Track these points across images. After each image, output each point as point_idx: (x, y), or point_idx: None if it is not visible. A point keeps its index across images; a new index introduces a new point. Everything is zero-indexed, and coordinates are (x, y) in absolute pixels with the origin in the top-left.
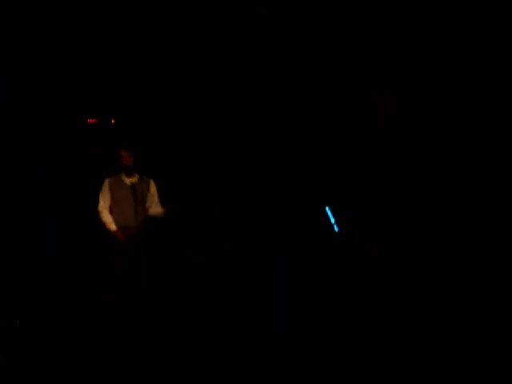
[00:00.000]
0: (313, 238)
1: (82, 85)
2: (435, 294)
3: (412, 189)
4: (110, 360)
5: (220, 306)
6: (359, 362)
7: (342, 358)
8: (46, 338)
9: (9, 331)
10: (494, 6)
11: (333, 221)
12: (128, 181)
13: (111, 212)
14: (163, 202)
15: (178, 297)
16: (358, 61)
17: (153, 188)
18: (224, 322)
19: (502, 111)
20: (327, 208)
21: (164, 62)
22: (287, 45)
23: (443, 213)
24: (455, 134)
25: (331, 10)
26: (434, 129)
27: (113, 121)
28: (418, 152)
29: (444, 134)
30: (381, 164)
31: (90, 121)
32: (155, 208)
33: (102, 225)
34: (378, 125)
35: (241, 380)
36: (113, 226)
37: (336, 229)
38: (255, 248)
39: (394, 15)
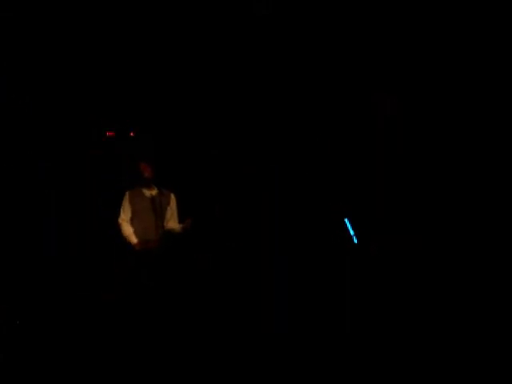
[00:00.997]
0: (313, 238)
1: (81, 85)
2: (435, 293)
3: (412, 189)
4: (110, 360)
5: (220, 306)
6: (359, 362)
7: (342, 358)
8: (46, 338)
9: (9, 331)
10: (493, 6)
11: (352, 233)
12: (148, 193)
13: (132, 224)
14: (181, 215)
15: (178, 297)
16: (358, 61)
17: (173, 202)
18: (224, 322)
19: (502, 111)
20: (346, 220)
21: (163, 60)
22: (287, 45)
23: (443, 213)
24: (455, 134)
25: (331, 10)
26: (434, 129)
27: (131, 133)
28: (418, 152)
29: (444, 134)
30: (381, 164)
31: (108, 133)
32: (173, 222)
33: (122, 237)
34: (378, 125)
35: (241, 380)
36: (133, 239)
37: (355, 241)
38: (255, 248)
39: (393, 15)
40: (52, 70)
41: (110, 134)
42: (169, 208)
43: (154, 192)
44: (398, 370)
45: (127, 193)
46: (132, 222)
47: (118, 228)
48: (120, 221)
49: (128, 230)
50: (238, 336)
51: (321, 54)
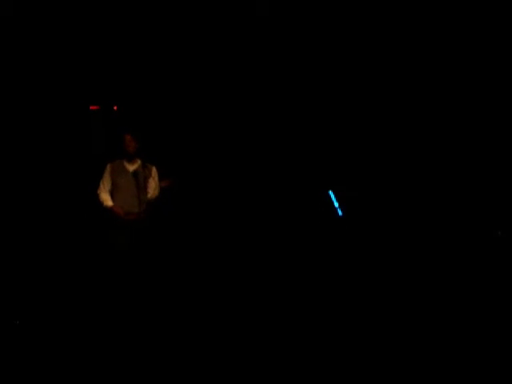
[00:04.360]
0: (312, 238)
1: (84, 79)
2: (435, 292)
3: (412, 189)
4: (110, 360)
5: (220, 306)
6: (359, 359)
7: (342, 358)
8: (46, 338)
9: (9, 331)
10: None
11: (336, 205)
12: (130, 167)
13: (112, 197)
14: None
15: (178, 297)
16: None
17: (155, 174)
18: (224, 321)
19: (501, 111)
20: (330, 192)
21: (165, 63)
22: (287, 45)
23: (443, 213)
24: (455, 134)
25: (331, 11)
26: (434, 129)
27: (115, 107)
28: (417, 152)
29: (443, 134)
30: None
31: (92, 107)
32: (153, 192)
33: (99, 205)
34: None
35: (241, 380)
36: (109, 203)
37: (340, 213)
38: (255, 247)
39: (393, 15)
40: (52, 71)
41: (94, 108)
42: (151, 180)
43: (137, 165)
44: (398, 370)
45: (108, 165)
46: (113, 195)
47: (96, 199)
48: (98, 191)
49: (105, 196)
50: (237, 336)
51: (320, 55)
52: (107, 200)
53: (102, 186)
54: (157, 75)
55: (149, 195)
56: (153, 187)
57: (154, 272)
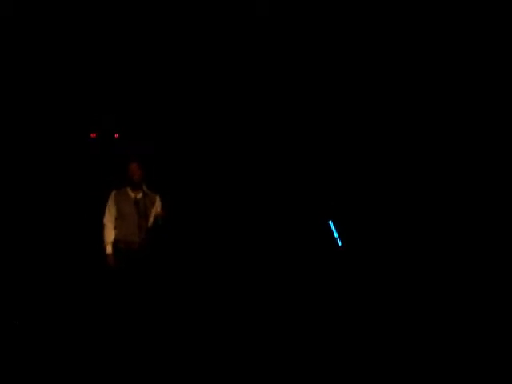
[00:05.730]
0: (312, 239)
1: (83, 88)
2: (434, 295)
3: (410, 190)
4: (110, 360)
5: (220, 306)
6: (359, 360)
7: (342, 358)
8: (46, 338)
9: (9, 331)
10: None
11: (336, 235)
12: (133, 195)
13: (116, 223)
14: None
15: (178, 297)
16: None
17: (158, 204)
18: (224, 322)
19: (499, 113)
20: (330, 222)
21: (166, 67)
22: (287, 45)
23: (442, 214)
24: (454, 135)
25: (331, 11)
26: (433, 129)
27: (116, 135)
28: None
29: (442, 135)
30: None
31: (92, 135)
32: (154, 220)
33: (101, 238)
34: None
35: (241, 380)
36: (108, 249)
37: (339, 243)
38: (255, 248)
39: (393, 16)
40: (52, 79)
41: (93, 135)
42: (153, 209)
43: (140, 194)
44: (397, 370)
45: (113, 193)
46: (116, 221)
47: (101, 228)
48: (105, 222)
49: (108, 237)
50: (237, 336)
51: (320, 55)
52: (107, 244)
53: (108, 215)
54: (156, 98)
55: (149, 223)
56: (154, 216)
57: (155, 292)
